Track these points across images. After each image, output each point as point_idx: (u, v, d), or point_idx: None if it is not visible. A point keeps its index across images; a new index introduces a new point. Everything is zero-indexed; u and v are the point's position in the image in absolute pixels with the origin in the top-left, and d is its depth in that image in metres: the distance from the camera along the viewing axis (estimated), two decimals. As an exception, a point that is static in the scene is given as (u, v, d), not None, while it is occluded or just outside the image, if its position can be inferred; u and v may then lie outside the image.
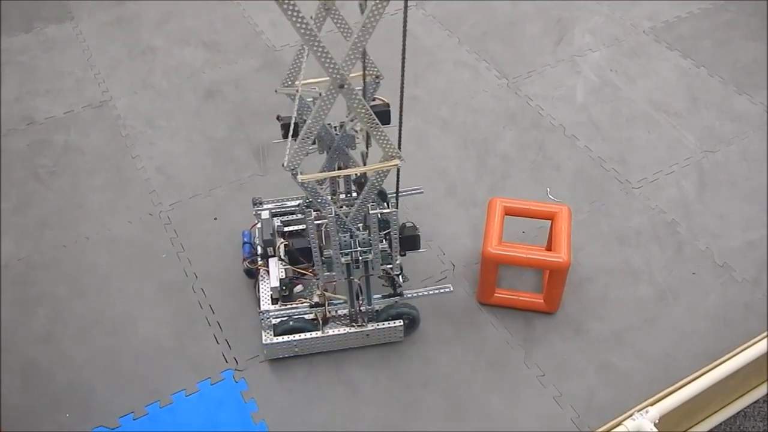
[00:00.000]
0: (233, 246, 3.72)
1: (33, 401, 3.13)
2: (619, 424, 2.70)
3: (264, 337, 3.17)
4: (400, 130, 2.77)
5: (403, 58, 2.52)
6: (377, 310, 3.19)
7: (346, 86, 2.44)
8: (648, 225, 3.75)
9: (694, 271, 3.54)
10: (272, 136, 4.29)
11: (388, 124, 2.98)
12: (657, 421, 2.66)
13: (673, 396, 2.75)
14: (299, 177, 2.63)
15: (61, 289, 3.56)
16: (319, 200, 2.75)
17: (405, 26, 2.41)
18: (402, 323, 3.19)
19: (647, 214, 3.81)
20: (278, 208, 3.53)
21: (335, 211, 2.76)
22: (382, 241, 2.91)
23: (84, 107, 4.60)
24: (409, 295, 3.20)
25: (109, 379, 3.20)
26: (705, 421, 3.14)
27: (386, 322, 3.19)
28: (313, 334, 3.17)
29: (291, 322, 3.15)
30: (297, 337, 3.16)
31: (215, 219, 3.87)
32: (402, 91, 2.61)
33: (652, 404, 2.73)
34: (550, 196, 3.90)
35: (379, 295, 3.21)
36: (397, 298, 3.20)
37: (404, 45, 2.49)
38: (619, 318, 3.37)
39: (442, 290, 3.19)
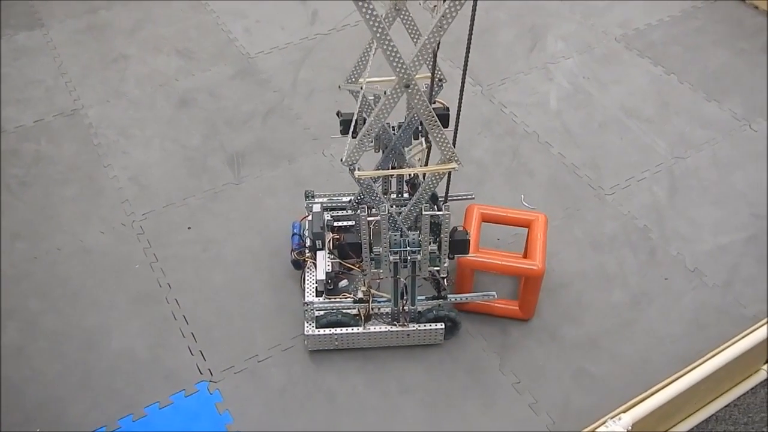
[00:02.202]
0: (208, 255, 3.70)
1: (3, 417, 3.07)
2: (592, 432, 2.73)
3: (306, 328, 3.20)
4: (455, 135, 2.83)
5: (465, 63, 2.58)
6: (419, 312, 3.20)
7: (411, 86, 2.47)
8: (621, 231, 3.79)
9: (667, 276, 3.58)
10: (247, 144, 4.30)
11: (447, 127, 3.01)
12: (630, 427, 2.67)
13: (646, 402, 2.77)
14: (356, 173, 2.68)
15: (32, 302, 3.50)
16: (373, 197, 2.79)
17: (471, 29, 2.44)
18: (443, 326, 3.20)
19: (620, 219, 3.85)
20: (329, 202, 3.55)
21: (388, 209, 2.78)
22: (431, 243, 2.93)
23: (55, 116, 4.54)
24: (452, 300, 3.22)
25: (82, 393, 3.15)
26: (679, 425, 3.17)
27: (428, 324, 3.20)
28: (355, 330, 3.19)
29: (334, 316, 3.18)
30: (339, 330, 3.18)
31: (189, 228, 3.83)
32: (461, 97, 2.69)
33: (625, 410, 2.75)
34: (524, 203, 3.93)
35: (423, 297, 3.22)
36: (440, 301, 3.21)
37: (468, 50, 2.53)
38: (594, 323, 3.40)
39: (485, 297, 3.23)
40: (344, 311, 3.20)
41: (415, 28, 2.88)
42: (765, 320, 3.18)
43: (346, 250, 3.12)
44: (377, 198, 2.80)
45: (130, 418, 3.06)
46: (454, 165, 2.72)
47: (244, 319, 3.42)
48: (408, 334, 3.21)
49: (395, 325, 3.20)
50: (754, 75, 4.71)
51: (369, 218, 2.82)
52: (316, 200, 3.55)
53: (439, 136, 2.66)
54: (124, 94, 4.69)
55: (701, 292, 3.51)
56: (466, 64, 2.63)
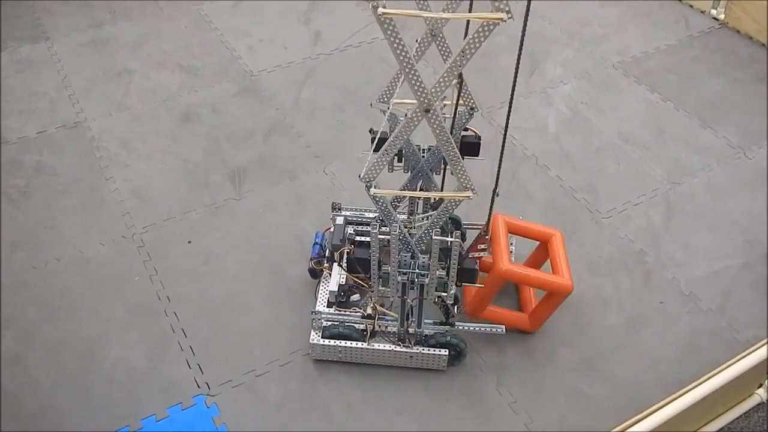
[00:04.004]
0: (207, 269, 3.71)
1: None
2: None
3: (312, 337, 3.23)
4: (500, 165, 2.86)
5: (513, 91, 2.57)
6: (426, 335, 3.21)
7: (431, 111, 2.48)
8: (617, 254, 3.84)
9: (662, 300, 3.62)
10: (249, 160, 4.34)
11: (476, 155, 3.05)
12: (625, 449, 2.70)
13: (641, 424, 2.79)
14: (372, 190, 2.69)
15: (31, 312, 3.51)
16: (387, 216, 2.80)
17: (519, 55, 2.42)
18: (447, 353, 3.20)
19: (616, 243, 3.89)
20: (354, 217, 3.58)
21: (400, 230, 2.80)
22: (441, 269, 2.94)
23: (57, 128, 4.57)
24: (459, 327, 3.22)
25: (79, 403, 3.15)
26: (672, 448, 3.20)
27: (432, 349, 3.20)
28: (359, 345, 3.20)
29: (340, 328, 3.20)
30: (343, 343, 3.20)
31: (189, 242, 3.85)
32: (506, 127, 2.71)
33: None
34: (522, 225, 3.96)
35: (431, 321, 3.23)
36: (447, 327, 3.22)
37: (516, 76, 2.53)
38: (590, 345, 3.42)
39: (494, 330, 3.23)
40: (351, 325, 3.22)
41: (450, 53, 2.89)
42: (758, 345, 3.22)
43: (355, 265, 3.14)
44: (391, 217, 2.82)
45: (126, 429, 3.06)
46: (469, 194, 2.72)
47: (242, 333, 3.43)
48: (411, 356, 3.22)
49: (400, 345, 3.21)
50: (748, 104, 4.80)
51: (380, 236, 2.84)
52: (343, 213, 3.57)
53: (457, 164, 2.67)
54: (127, 107, 4.73)
55: (695, 317, 3.55)
56: (512, 96, 2.60)
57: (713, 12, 5.58)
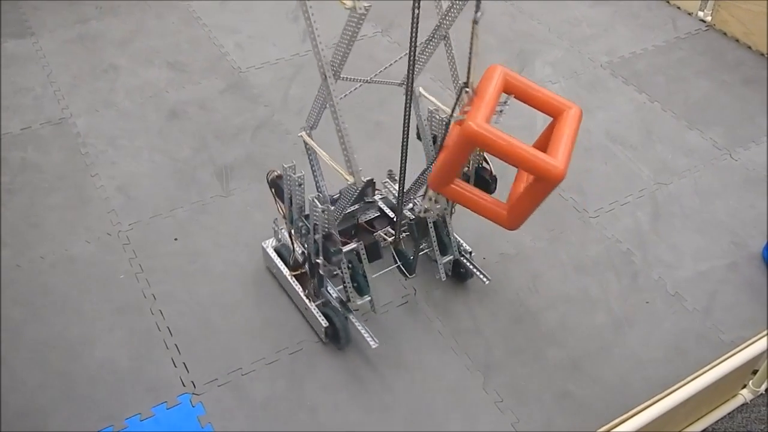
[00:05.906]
0: (194, 267, 3.69)
1: (-19, 426, 3.04)
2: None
3: (266, 243, 3.56)
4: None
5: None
6: (327, 302, 3.33)
7: (326, 80, 2.69)
8: (605, 254, 3.85)
9: (648, 300, 3.64)
10: (236, 158, 4.32)
11: (491, 193, 3.09)
12: (610, 450, 2.70)
13: (626, 424, 2.79)
14: (301, 133, 2.99)
15: (15, 311, 3.47)
16: (309, 158, 3.06)
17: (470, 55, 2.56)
18: (326, 324, 3.27)
19: (604, 243, 3.91)
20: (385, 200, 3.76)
21: (299, 176, 3.02)
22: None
23: (42, 124, 4.52)
24: (352, 318, 3.25)
25: (63, 403, 3.12)
26: (657, 448, 3.21)
27: (318, 313, 3.30)
28: (283, 269, 3.45)
29: (282, 249, 3.50)
30: (276, 261, 3.48)
31: (176, 240, 3.83)
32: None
33: None
34: (510, 224, 3.96)
35: (336, 290, 3.32)
36: (340, 306, 3.28)
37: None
38: (577, 345, 3.43)
39: (370, 341, 3.18)
40: (293, 251, 3.37)
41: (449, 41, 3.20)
42: (742, 346, 3.23)
43: (277, 185, 3.23)
44: (311, 159, 3.03)
45: (110, 429, 3.03)
46: (351, 179, 2.80)
47: (228, 332, 3.41)
48: (306, 308, 3.37)
49: (305, 294, 3.32)
50: (734, 106, 4.83)
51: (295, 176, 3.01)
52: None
53: (347, 149, 2.75)
54: (114, 104, 4.69)
55: (681, 317, 3.57)
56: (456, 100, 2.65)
57: (701, 14, 5.61)
